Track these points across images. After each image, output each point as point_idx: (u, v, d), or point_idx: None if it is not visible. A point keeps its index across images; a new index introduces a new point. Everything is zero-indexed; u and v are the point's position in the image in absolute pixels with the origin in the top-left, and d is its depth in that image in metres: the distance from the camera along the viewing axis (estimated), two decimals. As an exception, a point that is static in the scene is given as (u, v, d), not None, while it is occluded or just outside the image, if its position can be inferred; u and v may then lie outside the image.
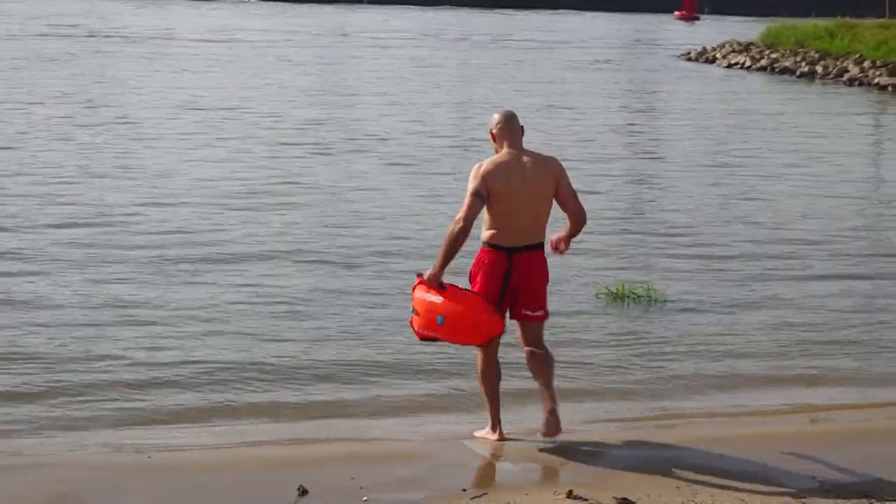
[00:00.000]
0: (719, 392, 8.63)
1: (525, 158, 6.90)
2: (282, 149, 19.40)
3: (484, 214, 6.86)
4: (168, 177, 16.40)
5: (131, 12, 62.65)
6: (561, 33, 60.77)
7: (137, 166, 17.11)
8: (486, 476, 6.82)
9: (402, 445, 7.28)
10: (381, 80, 32.75)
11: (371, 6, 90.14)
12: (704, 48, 46.57)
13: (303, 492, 6.26)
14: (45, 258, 11.63)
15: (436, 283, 6.85)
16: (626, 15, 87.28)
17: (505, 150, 6.93)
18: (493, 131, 7.02)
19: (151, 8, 68.76)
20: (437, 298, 6.84)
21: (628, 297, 10.81)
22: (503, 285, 6.86)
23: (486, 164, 6.87)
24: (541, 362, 7.10)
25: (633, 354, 9.38)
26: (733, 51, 44.81)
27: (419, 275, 7.00)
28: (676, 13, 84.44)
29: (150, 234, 12.86)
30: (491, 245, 6.87)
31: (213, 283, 10.98)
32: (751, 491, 6.41)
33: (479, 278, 6.91)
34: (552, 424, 7.05)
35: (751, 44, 45.30)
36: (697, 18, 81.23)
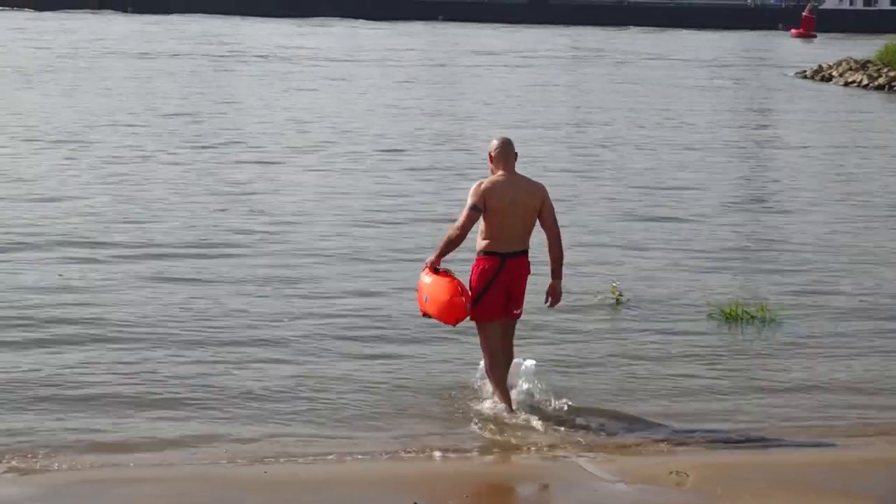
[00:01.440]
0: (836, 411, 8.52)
1: (516, 181, 8.16)
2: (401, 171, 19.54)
3: (480, 225, 8.12)
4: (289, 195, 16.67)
5: (281, 33, 64.09)
6: (674, 51, 60.34)
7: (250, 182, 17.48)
8: (599, 496, 6.82)
9: (511, 464, 7.30)
10: (499, 99, 32.81)
11: (449, 23, 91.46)
12: (820, 66, 45.77)
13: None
14: (183, 273, 11.86)
15: (432, 268, 8.16)
16: (739, 32, 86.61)
17: (500, 172, 8.16)
18: (492, 154, 8.22)
19: (306, 28, 70.28)
20: (427, 280, 8.19)
21: (742, 317, 10.67)
22: (507, 287, 8.10)
23: (484, 183, 8.12)
24: (507, 360, 8.38)
25: (750, 378, 9.25)
26: (850, 69, 43.95)
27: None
28: (793, 30, 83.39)
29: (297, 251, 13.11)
30: (487, 253, 8.11)
31: (344, 298, 11.14)
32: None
33: (484, 281, 8.09)
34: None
35: (868, 62, 44.42)
36: (814, 36, 79.99)
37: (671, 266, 13.03)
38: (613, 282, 11.48)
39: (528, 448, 7.67)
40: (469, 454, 7.59)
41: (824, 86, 42.03)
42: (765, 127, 28.76)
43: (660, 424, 8.21)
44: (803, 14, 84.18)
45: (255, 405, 8.31)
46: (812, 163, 21.99)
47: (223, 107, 28.02)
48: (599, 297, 11.28)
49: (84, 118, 24.80)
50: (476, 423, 8.07)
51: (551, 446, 7.70)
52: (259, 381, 8.78)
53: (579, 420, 8.17)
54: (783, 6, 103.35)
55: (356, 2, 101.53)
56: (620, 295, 11.23)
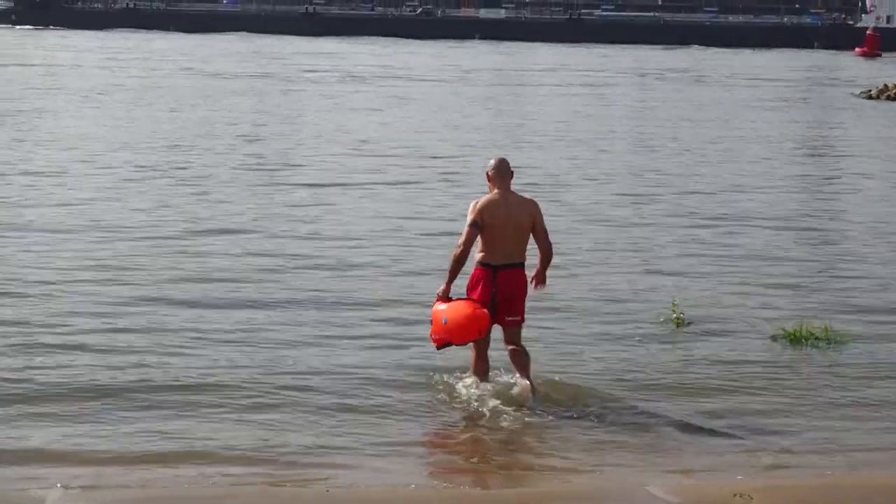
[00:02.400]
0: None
1: (510, 199, 8.84)
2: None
3: (477, 240, 8.76)
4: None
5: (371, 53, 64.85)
6: (736, 70, 60.28)
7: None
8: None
9: (577, 487, 7.29)
10: (560, 118, 33.01)
11: (483, 41, 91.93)
12: (885, 85, 45.31)
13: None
14: (273, 296, 11.89)
15: (445, 297, 8.81)
16: (802, 52, 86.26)
17: (495, 191, 8.85)
18: (489, 173, 8.92)
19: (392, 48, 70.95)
20: (442, 307, 8.80)
21: (806, 338, 10.55)
22: (492, 293, 8.71)
23: (481, 201, 8.83)
24: (519, 356, 8.92)
25: (814, 401, 9.16)
26: (916, 88, 43.53)
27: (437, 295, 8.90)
28: (857, 49, 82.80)
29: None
30: (482, 264, 8.78)
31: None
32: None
33: (474, 288, 8.77)
34: (525, 386, 8.76)
35: (934, 81, 43.98)
36: (879, 55, 79.31)
37: (733, 285, 12.97)
38: (674, 301, 11.38)
39: (593, 471, 7.63)
40: (530, 478, 7.57)
41: (891, 105, 41.63)
42: (828, 146, 28.59)
43: (723, 446, 8.14)
44: (867, 32, 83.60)
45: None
46: (879, 184, 21.82)
47: (277, 128, 28.37)
48: (661, 317, 11.18)
49: (174, 134, 25.25)
50: (537, 446, 8.06)
51: (615, 466, 7.67)
52: (314, 400, 8.83)
53: (643, 442, 8.13)
54: (819, 24, 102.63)
55: (397, 22, 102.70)
56: (682, 314, 11.12)
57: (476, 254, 8.83)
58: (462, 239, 8.75)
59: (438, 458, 8.00)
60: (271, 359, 9.73)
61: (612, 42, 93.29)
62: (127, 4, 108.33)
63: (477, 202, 8.83)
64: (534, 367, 8.98)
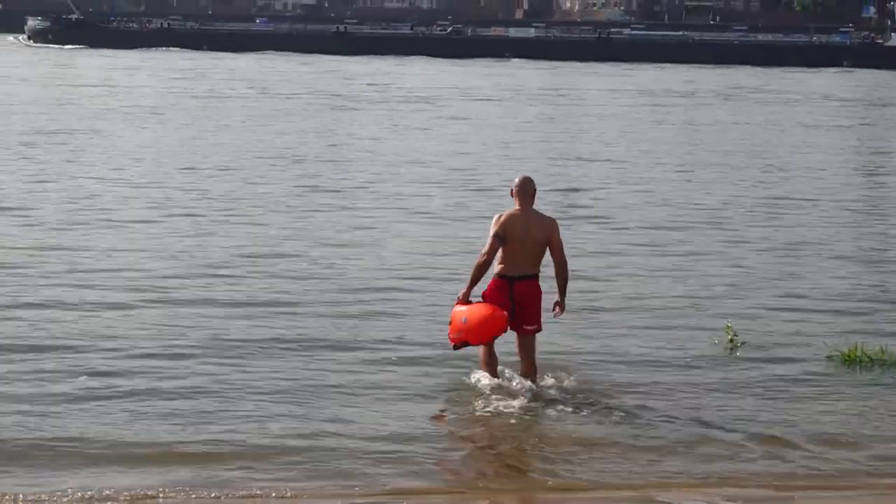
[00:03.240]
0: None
1: (531, 216, 9.45)
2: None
3: (499, 254, 9.32)
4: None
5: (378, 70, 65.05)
6: (787, 89, 60.31)
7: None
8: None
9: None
10: (608, 140, 33.01)
11: (516, 60, 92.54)
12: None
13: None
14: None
15: (465, 300, 9.41)
16: (832, 70, 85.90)
17: (517, 207, 9.47)
18: (514, 190, 9.54)
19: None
20: (462, 308, 9.40)
21: (862, 360, 10.57)
22: (509, 302, 9.27)
23: (504, 215, 9.45)
24: (529, 372, 9.58)
25: (870, 424, 9.17)
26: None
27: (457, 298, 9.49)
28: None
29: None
30: (499, 276, 9.38)
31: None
32: None
33: (492, 298, 9.35)
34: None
35: None
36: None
37: (787, 305, 13.00)
38: (728, 323, 11.44)
39: (646, 487, 7.81)
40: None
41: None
42: (886, 165, 28.50)
43: (777, 467, 8.26)
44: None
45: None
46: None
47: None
48: (715, 339, 11.23)
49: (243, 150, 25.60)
50: (589, 467, 8.23)
51: (663, 488, 7.80)
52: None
53: (694, 462, 8.28)
54: (849, 43, 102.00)
55: (427, 41, 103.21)
56: (736, 336, 11.16)
57: (494, 265, 9.40)
58: (486, 249, 9.35)
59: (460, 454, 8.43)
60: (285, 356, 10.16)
61: (641, 61, 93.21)
62: (161, 24, 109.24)
63: (500, 215, 9.46)
64: (585, 387, 9.50)
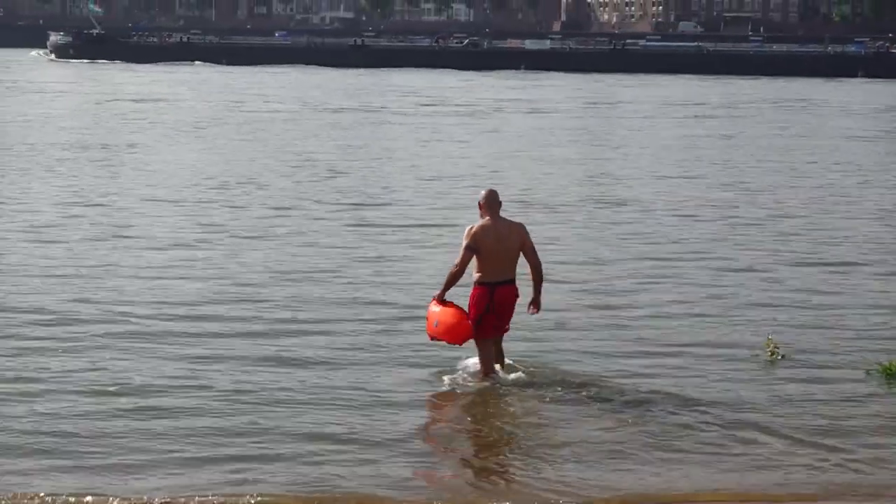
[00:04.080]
0: None
1: (500, 224, 10.20)
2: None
3: (474, 262, 10.07)
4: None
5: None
6: (824, 100, 60.67)
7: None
8: None
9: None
10: (647, 153, 33.34)
11: (528, 72, 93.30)
12: None
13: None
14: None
15: (440, 300, 10.19)
16: (848, 80, 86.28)
17: (486, 218, 10.18)
18: (481, 203, 10.30)
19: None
20: (436, 309, 10.23)
21: (902, 373, 10.62)
22: (487, 306, 10.08)
23: (475, 227, 10.18)
24: (499, 359, 10.52)
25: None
26: None
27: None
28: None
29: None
30: (480, 283, 10.13)
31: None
32: None
33: (474, 304, 10.15)
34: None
35: None
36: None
37: (828, 318, 13.20)
38: (769, 336, 11.62)
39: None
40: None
41: None
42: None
43: (819, 478, 8.47)
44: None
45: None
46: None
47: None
48: (756, 352, 11.40)
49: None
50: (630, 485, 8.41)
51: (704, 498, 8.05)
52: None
53: (736, 475, 8.45)
54: (863, 53, 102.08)
55: (444, 53, 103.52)
56: (776, 348, 11.29)
57: (473, 274, 10.17)
58: (458, 260, 10.20)
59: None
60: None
61: (656, 72, 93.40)
62: (180, 38, 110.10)
63: (472, 227, 10.22)
64: (624, 400, 9.99)
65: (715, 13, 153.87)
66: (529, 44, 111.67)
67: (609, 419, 9.64)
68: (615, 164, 30.34)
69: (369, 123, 42.85)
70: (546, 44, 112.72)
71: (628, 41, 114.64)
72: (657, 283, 15.19)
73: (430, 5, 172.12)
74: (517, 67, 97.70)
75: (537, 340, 11.94)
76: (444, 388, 10.47)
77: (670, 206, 22.46)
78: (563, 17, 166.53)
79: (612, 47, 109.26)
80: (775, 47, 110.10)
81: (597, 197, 23.58)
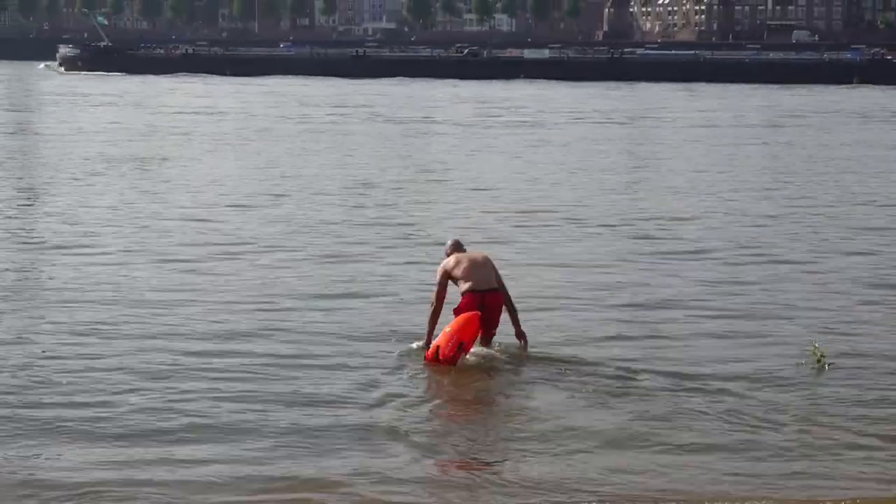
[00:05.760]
0: None
1: (468, 253, 11.42)
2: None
3: (459, 285, 11.07)
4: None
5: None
6: (846, 108, 60.99)
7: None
8: None
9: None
10: (682, 164, 33.59)
11: (528, 81, 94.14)
12: None
13: None
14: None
15: (428, 345, 11.00)
16: (843, 87, 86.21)
17: (454, 255, 11.29)
18: (448, 251, 11.46)
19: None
20: (432, 344, 11.01)
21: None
22: (479, 308, 10.93)
23: (449, 261, 11.27)
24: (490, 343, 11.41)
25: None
26: None
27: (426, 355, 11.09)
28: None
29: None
30: (470, 291, 11.02)
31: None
32: None
33: (463, 307, 11.01)
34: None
35: None
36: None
37: (874, 324, 13.35)
38: (815, 343, 11.59)
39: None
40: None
41: None
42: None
43: (870, 487, 8.52)
44: None
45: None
46: None
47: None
48: (803, 359, 11.46)
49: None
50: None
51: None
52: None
53: (786, 484, 8.53)
54: (858, 60, 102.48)
55: (445, 63, 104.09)
56: (823, 356, 11.29)
57: (460, 288, 11.11)
58: (433, 297, 11.28)
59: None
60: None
61: (653, 80, 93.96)
62: (186, 50, 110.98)
63: (440, 266, 11.33)
64: (666, 411, 10.04)
65: (758, 21, 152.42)
66: (528, 53, 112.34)
67: (630, 418, 9.89)
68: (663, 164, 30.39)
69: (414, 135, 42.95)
70: (545, 53, 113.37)
71: (626, 50, 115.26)
72: (714, 294, 15.26)
73: (471, 16, 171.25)
74: (516, 76, 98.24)
75: (578, 343, 12.33)
76: (437, 381, 10.92)
77: (713, 215, 22.64)
78: (605, 27, 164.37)
79: (609, 56, 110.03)
80: (772, 55, 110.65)
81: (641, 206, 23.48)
